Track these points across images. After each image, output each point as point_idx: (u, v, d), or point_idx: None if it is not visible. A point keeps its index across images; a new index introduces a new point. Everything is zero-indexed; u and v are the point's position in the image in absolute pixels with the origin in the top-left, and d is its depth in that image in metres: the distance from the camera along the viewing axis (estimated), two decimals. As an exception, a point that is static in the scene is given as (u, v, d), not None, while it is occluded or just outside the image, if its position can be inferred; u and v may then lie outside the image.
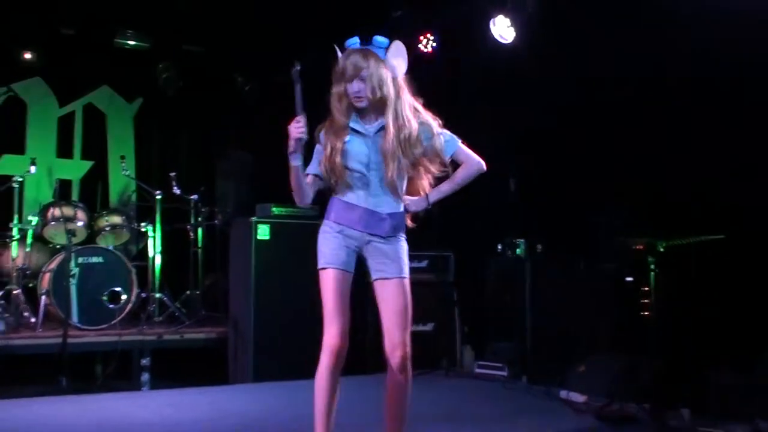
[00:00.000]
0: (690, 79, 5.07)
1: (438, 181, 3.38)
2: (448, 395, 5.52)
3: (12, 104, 8.14)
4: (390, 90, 3.14)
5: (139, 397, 5.74)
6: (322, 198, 3.36)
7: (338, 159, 3.12)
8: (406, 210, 3.30)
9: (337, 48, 3.23)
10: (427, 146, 3.26)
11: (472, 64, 6.75)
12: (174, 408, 5.00)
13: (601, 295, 5.59)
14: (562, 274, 5.94)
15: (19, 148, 8.23)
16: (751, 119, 4.79)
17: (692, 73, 5.06)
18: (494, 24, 6.16)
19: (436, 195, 3.37)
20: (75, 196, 8.25)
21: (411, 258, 6.44)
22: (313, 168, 3.23)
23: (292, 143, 3.05)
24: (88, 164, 8.61)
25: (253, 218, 6.08)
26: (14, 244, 6.76)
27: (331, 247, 3.17)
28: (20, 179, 6.93)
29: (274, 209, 6.17)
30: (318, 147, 3.23)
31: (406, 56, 3.27)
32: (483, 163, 3.48)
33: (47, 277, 6.49)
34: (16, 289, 6.56)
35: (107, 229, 7.15)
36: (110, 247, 6.90)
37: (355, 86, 3.11)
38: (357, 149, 3.15)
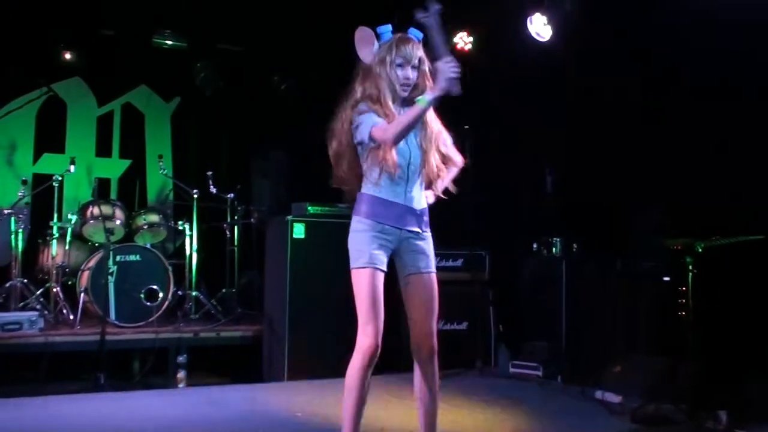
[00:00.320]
0: (732, 77, 4.98)
1: None
2: (483, 395, 5.49)
3: (52, 104, 8.25)
4: (429, 84, 3.16)
5: (175, 394, 5.80)
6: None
7: (393, 152, 3.10)
8: None
9: (374, 32, 3.23)
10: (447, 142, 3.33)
11: (509, 62, 6.71)
12: (210, 405, 5.04)
13: (637, 295, 5.52)
14: (598, 273, 5.88)
15: (59, 147, 8.35)
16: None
17: (734, 71, 4.97)
18: (531, 22, 6.12)
19: (440, 188, 3.38)
20: (113, 195, 8.34)
21: (446, 257, 6.59)
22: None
23: (443, 84, 2.90)
24: (126, 163, 8.71)
25: (289, 217, 6.11)
26: (54, 242, 6.85)
27: (370, 246, 3.13)
28: (60, 178, 7.02)
29: (309, 208, 6.19)
30: (373, 117, 3.10)
31: None
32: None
33: (86, 275, 6.58)
34: (55, 287, 6.66)
35: (145, 227, 7.22)
36: (148, 246, 6.97)
37: (409, 73, 3.15)
38: (401, 144, 3.13)
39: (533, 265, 6.31)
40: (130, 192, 8.12)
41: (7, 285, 6.59)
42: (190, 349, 6.34)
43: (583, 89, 6.13)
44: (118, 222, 7.02)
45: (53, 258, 6.80)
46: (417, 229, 3.22)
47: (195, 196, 7.36)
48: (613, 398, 4.88)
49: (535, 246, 6.33)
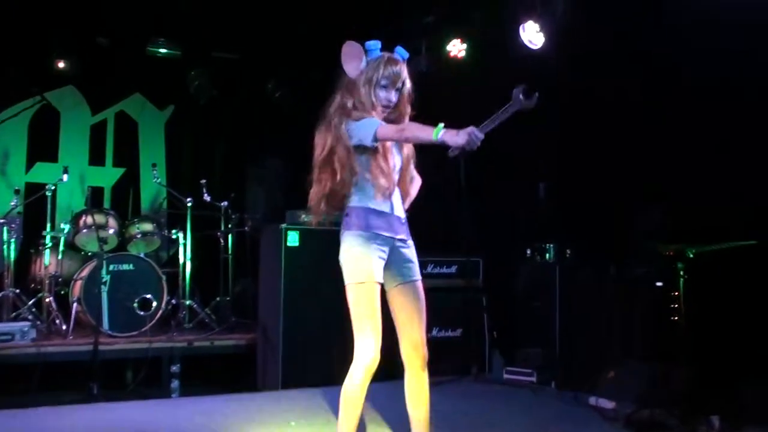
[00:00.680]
0: (722, 82, 4.99)
1: None
2: (477, 401, 5.49)
3: (45, 112, 8.26)
4: (408, 108, 3.27)
5: (169, 403, 5.78)
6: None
7: (390, 160, 3.16)
8: None
9: (355, 44, 3.21)
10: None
11: (502, 69, 6.71)
12: (204, 415, 5.02)
13: (630, 300, 5.52)
14: (591, 279, 5.87)
15: (51, 155, 8.36)
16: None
17: (724, 76, 4.98)
18: (524, 30, 6.13)
19: (407, 204, 3.42)
20: (107, 204, 8.36)
21: (441, 263, 6.59)
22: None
23: (460, 143, 2.85)
24: (119, 171, 8.71)
25: (283, 225, 6.09)
26: (46, 251, 6.84)
27: (369, 260, 3.12)
28: (53, 187, 7.02)
29: (304, 216, 6.18)
30: (375, 119, 3.11)
31: None
32: None
33: (79, 284, 6.56)
34: (48, 297, 6.65)
35: (138, 236, 7.21)
36: (141, 254, 6.95)
37: (392, 96, 3.19)
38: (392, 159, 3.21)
39: (527, 271, 6.31)
40: (124, 201, 8.12)
41: None
42: (184, 358, 6.33)
43: (576, 96, 6.14)
44: (111, 231, 7.01)
45: (46, 267, 6.79)
46: (404, 236, 3.26)
47: (189, 204, 7.36)
48: (607, 404, 4.87)
49: (528, 252, 6.33)
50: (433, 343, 6.49)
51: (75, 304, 6.49)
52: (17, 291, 6.66)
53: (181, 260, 7.29)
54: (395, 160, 3.24)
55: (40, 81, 8.02)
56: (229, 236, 7.52)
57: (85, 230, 6.93)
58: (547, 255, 6.18)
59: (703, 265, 4.58)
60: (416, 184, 3.45)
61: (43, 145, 8.31)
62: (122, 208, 7.80)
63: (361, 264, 3.11)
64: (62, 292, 6.91)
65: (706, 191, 5.10)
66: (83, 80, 8.39)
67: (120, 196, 8.39)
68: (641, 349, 5.36)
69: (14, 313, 6.52)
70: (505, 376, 6.08)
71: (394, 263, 3.23)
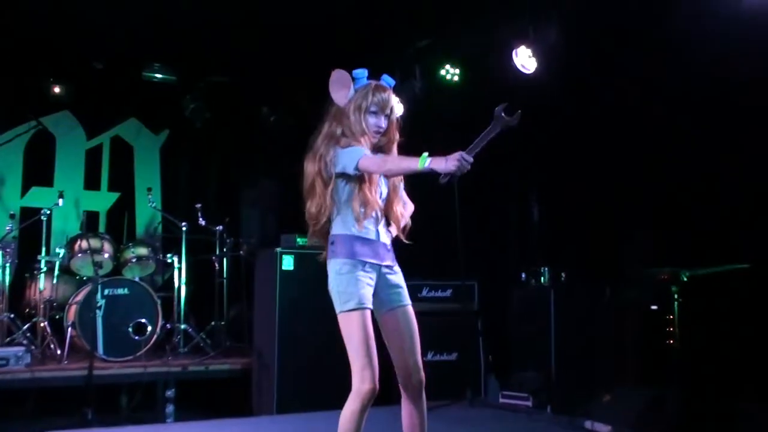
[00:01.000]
0: (714, 105, 5.05)
1: None
2: (473, 425, 5.48)
3: (41, 137, 8.27)
4: (397, 135, 3.31)
5: (164, 429, 5.77)
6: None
7: (374, 189, 3.18)
8: None
9: (343, 72, 3.25)
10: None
11: (495, 93, 6.76)
12: (198, 440, 5.01)
13: (626, 324, 5.54)
14: (586, 302, 5.90)
15: (47, 180, 8.36)
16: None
17: (714, 100, 5.03)
18: (516, 54, 6.19)
19: (396, 231, 3.40)
20: (102, 228, 8.33)
21: (435, 287, 6.60)
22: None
23: (451, 168, 2.88)
24: (115, 196, 8.72)
25: (278, 249, 6.10)
26: (41, 276, 6.82)
27: (358, 287, 3.11)
28: (48, 211, 7.02)
29: (298, 240, 6.19)
30: (361, 148, 3.13)
31: None
32: None
33: (74, 309, 6.55)
34: (42, 322, 6.61)
35: (133, 260, 7.20)
36: (136, 279, 6.94)
37: (381, 121, 3.23)
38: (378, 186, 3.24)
39: (522, 294, 6.33)
40: (119, 225, 8.13)
41: (-6, 320, 6.55)
42: (179, 383, 6.31)
43: (569, 120, 6.20)
44: (106, 255, 7.00)
45: (41, 292, 6.77)
46: (390, 263, 3.27)
47: (184, 228, 7.35)
48: (603, 428, 4.86)
49: (523, 276, 6.35)
50: (428, 367, 6.48)
51: (70, 329, 6.47)
52: (12, 316, 6.64)
53: (176, 284, 7.27)
54: (381, 187, 3.26)
55: (35, 106, 8.05)
56: (224, 260, 7.52)
57: (80, 255, 6.92)
58: (542, 278, 6.19)
59: (697, 288, 4.61)
60: (409, 208, 3.47)
61: (38, 169, 8.31)
62: (117, 233, 7.80)
63: (349, 292, 3.10)
64: (57, 317, 6.88)
65: (699, 215, 5.14)
66: (79, 105, 8.40)
67: (115, 221, 8.39)
68: (637, 372, 5.37)
69: (9, 338, 6.49)
70: (501, 400, 6.08)
71: (381, 290, 3.23)
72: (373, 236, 3.20)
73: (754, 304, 4.73)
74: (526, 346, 6.14)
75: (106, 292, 6.56)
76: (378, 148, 3.26)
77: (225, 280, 7.49)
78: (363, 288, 3.12)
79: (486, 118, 6.97)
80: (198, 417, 5.93)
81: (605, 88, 5.82)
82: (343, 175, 3.16)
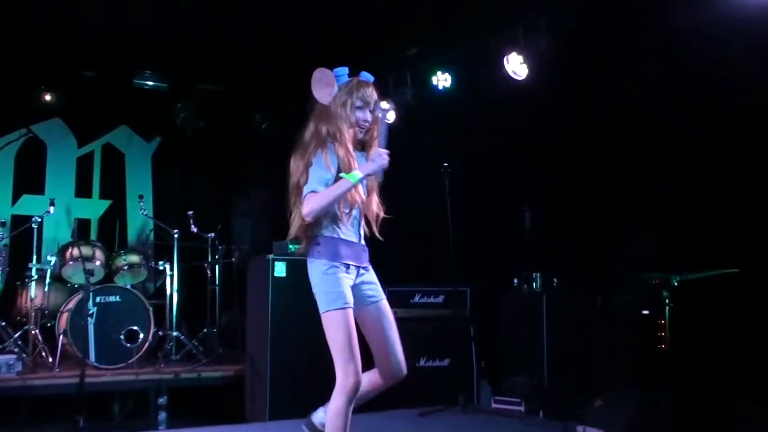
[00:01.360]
0: (708, 108, 5.08)
1: None
2: (465, 431, 5.48)
3: (31, 145, 8.27)
4: (376, 129, 3.39)
5: (156, 436, 5.74)
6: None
7: (361, 192, 3.28)
8: None
9: (326, 71, 3.38)
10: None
11: (486, 100, 6.80)
12: (190, 447, 4.99)
13: (617, 329, 5.56)
14: (578, 307, 5.92)
15: (38, 188, 8.35)
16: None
17: (706, 106, 5.07)
18: (508, 61, 6.22)
19: (376, 231, 3.55)
20: (93, 236, 8.33)
21: (428, 293, 6.63)
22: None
23: (375, 168, 3.18)
24: (106, 203, 8.71)
25: (270, 256, 6.10)
26: (32, 284, 6.80)
27: (343, 287, 3.23)
28: (39, 219, 7.00)
29: (291, 247, 6.18)
30: (326, 169, 3.21)
31: None
32: None
33: (65, 316, 6.53)
34: (34, 329, 6.59)
35: (125, 268, 7.19)
36: (128, 286, 6.92)
37: (367, 115, 3.34)
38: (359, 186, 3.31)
39: (514, 300, 6.34)
40: (111, 232, 8.11)
41: (-15, 328, 6.53)
42: (171, 390, 6.29)
43: (561, 126, 6.23)
44: (97, 263, 6.99)
45: (32, 300, 6.74)
46: (366, 264, 3.43)
47: (176, 235, 7.35)
48: (596, 433, 4.88)
49: (515, 281, 6.36)
50: (420, 373, 6.56)
51: (61, 337, 6.45)
52: (3, 323, 6.61)
53: (168, 292, 7.27)
54: (360, 190, 3.34)
55: (26, 114, 8.05)
56: (216, 267, 7.52)
57: (71, 262, 6.91)
58: (534, 284, 6.21)
59: (688, 292, 4.64)
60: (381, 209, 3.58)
61: (29, 177, 8.30)
62: (109, 240, 7.78)
63: (334, 292, 3.22)
64: (48, 325, 6.86)
65: (691, 219, 5.17)
66: (70, 113, 8.40)
67: (107, 228, 8.37)
68: (629, 377, 5.39)
69: (0, 346, 6.46)
70: (494, 405, 6.08)
71: (358, 288, 3.36)
72: (354, 239, 3.35)
73: (744, 308, 4.76)
74: (519, 351, 6.15)
75: (97, 299, 6.54)
76: (362, 144, 3.40)
77: (217, 287, 7.49)
78: (346, 288, 3.24)
79: (477, 124, 7.03)
80: (190, 424, 5.89)
81: (596, 93, 5.85)
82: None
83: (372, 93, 3.35)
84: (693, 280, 4.58)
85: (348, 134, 3.29)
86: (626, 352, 5.48)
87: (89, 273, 6.48)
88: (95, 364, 6.37)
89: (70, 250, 6.99)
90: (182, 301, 7.30)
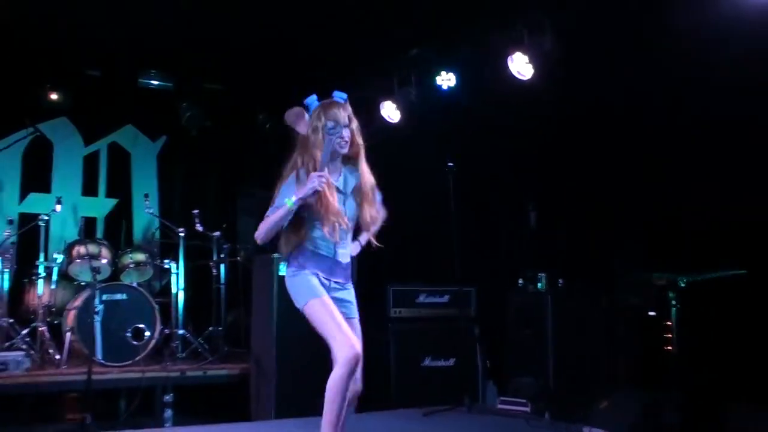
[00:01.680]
0: (708, 111, 5.10)
1: None
2: (470, 431, 5.50)
3: (38, 144, 8.30)
4: (360, 140, 3.55)
5: (162, 433, 5.77)
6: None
7: (337, 212, 3.39)
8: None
9: (295, 109, 3.55)
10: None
11: (491, 100, 6.81)
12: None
13: (623, 330, 5.58)
14: (584, 308, 5.93)
15: (45, 186, 8.38)
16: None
17: (710, 105, 5.08)
18: (512, 61, 6.23)
19: (364, 240, 3.71)
20: (99, 234, 8.36)
21: (433, 293, 6.66)
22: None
23: (308, 192, 3.30)
24: (112, 202, 8.74)
25: (275, 255, 6.11)
26: (40, 281, 6.85)
27: (312, 282, 3.42)
28: (46, 217, 7.03)
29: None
30: (283, 196, 3.39)
31: None
32: None
33: (72, 314, 6.56)
34: (41, 327, 6.64)
35: (131, 266, 7.22)
36: (134, 284, 6.96)
37: (343, 132, 3.46)
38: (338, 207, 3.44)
39: (519, 300, 6.35)
40: (117, 231, 8.14)
41: (-7, 325, 6.56)
42: (177, 388, 6.32)
43: (565, 125, 6.24)
44: (104, 261, 7.02)
45: (39, 297, 6.78)
46: (341, 280, 3.54)
47: (181, 234, 7.37)
48: (601, 434, 4.89)
49: (520, 282, 6.38)
50: (425, 373, 6.57)
51: (68, 334, 6.48)
52: (11, 321, 6.64)
53: (174, 290, 7.29)
54: (345, 207, 3.48)
55: (33, 113, 8.06)
56: (222, 266, 7.54)
57: (78, 260, 6.94)
58: (539, 284, 6.22)
59: (695, 294, 4.65)
60: (381, 215, 3.71)
61: (36, 175, 8.33)
62: (115, 238, 7.80)
63: (305, 287, 3.41)
64: (56, 322, 6.89)
65: (697, 220, 5.18)
66: (76, 112, 8.42)
67: (113, 227, 8.41)
68: (634, 378, 5.40)
69: (8, 343, 6.49)
70: (499, 405, 6.08)
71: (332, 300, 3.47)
72: (328, 253, 3.47)
73: (751, 310, 4.77)
74: (524, 351, 6.16)
75: (104, 297, 6.57)
76: (348, 158, 3.54)
77: (222, 286, 7.50)
78: (317, 284, 3.42)
79: (482, 124, 7.03)
80: (196, 422, 5.94)
81: (600, 93, 5.86)
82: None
83: (340, 111, 3.47)
84: (700, 281, 4.59)
85: (327, 157, 3.38)
86: (631, 353, 5.49)
87: (96, 271, 6.51)
88: (102, 361, 6.40)
89: (77, 248, 7.03)
90: (188, 299, 7.32)
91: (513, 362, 6.29)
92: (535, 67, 6.14)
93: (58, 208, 7.09)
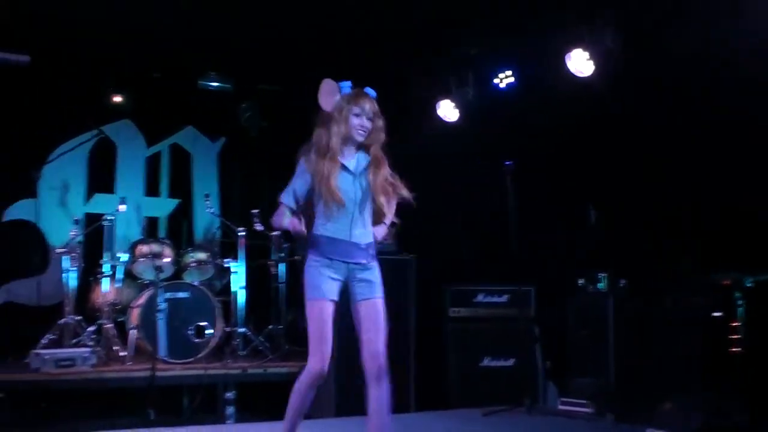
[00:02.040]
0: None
1: None
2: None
3: (103, 146, 8.48)
4: (382, 135, 3.66)
5: (224, 430, 5.85)
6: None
7: (336, 191, 3.50)
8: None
9: (331, 82, 3.68)
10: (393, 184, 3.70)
11: (550, 97, 6.74)
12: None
13: (688, 330, 5.46)
14: (646, 309, 5.82)
15: (109, 187, 8.56)
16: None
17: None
18: (570, 58, 6.16)
19: (389, 221, 3.80)
20: (162, 233, 8.50)
21: (491, 293, 6.61)
22: (292, 201, 3.63)
23: (288, 227, 3.60)
24: (174, 202, 8.88)
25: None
26: (105, 280, 7.00)
27: (322, 280, 3.54)
28: (111, 217, 7.20)
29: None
30: (302, 177, 3.61)
31: None
32: None
33: (136, 312, 6.70)
34: (107, 324, 6.79)
35: (193, 264, 7.34)
36: (196, 283, 7.07)
37: (364, 122, 3.60)
38: (346, 186, 3.56)
39: (579, 300, 6.28)
40: (178, 230, 8.27)
41: (61, 322, 6.73)
42: (238, 385, 6.41)
43: (626, 123, 6.14)
44: (167, 260, 7.14)
45: (104, 295, 6.93)
46: (363, 261, 3.61)
47: (241, 234, 7.46)
48: (665, 436, 4.81)
49: (581, 282, 6.30)
50: (484, 373, 6.54)
51: (133, 331, 6.62)
52: (78, 318, 6.82)
53: (234, 289, 7.39)
54: (356, 192, 3.59)
55: (97, 115, 8.25)
56: (281, 265, 7.61)
57: (141, 259, 7.08)
58: (600, 284, 6.13)
59: (761, 294, 4.54)
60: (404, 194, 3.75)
61: (101, 176, 8.50)
62: (177, 238, 7.93)
63: (313, 283, 3.55)
64: (120, 320, 7.04)
65: (763, 218, 5.06)
66: (139, 114, 8.59)
67: (175, 226, 8.54)
68: (699, 379, 5.29)
69: (75, 340, 6.65)
70: (560, 406, 6.03)
71: (351, 284, 3.61)
72: (343, 236, 3.56)
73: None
74: (585, 352, 6.08)
75: (167, 295, 6.68)
76: (361, 146, 3.65)
77: (282, 285, 7.58)
78: (326, 282, 3.54)
79: (541, 121, 6.96)
80: (258, 418, 6.01)
81: (664, 89, 5.76)
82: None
83: (368, 103, 3.61)
84: (767, 281, 4.48)
85: (340, 139, 3.56)
86: (696, 355, 5.38)
87: (159, 270, 6.65)
88: (165, 358, 6.51)
89: (140, 247, 7.17)
90: (248, 298, 7.41)
91: (573, 363, 6.22)
92: (595, 64, 6.07)
93: (122, 208, 7.24)
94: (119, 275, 7.09)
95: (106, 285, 6.98)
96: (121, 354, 6.57)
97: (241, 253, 7.41)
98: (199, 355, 6.64)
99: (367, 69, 7.37)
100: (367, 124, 3.61)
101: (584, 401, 5.83)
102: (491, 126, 7.25)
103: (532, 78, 6.88)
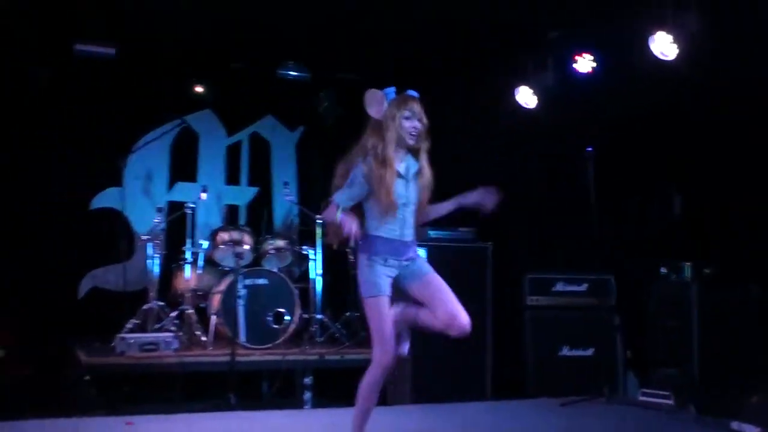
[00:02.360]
0: None
1: None
2: (609, 424, 5.36)
3: (185, 135, 8.67)
4: (428, 139, 3.79)
5: (302, 415, 5.93)
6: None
7: (393, 197, 3.61)
8: None
9: (376, 91, 3.83)
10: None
11: (633, 82, 6.56)
12: (335, 427, 5.11)
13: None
14: (731, 299, 5.64)
15: (191, 176, 8.74)
16: None
17: None
18: (653, 41, 5.98)
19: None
20: (242, 221, 8.64)
21: (571, 281, 6.53)
22: (349, 204, 3.70)
23: (346, 231, 3.58)
24: (253, 190, 9.02)
25: (410, 241, 6.13)
26: (187, 266, 7.17)
27: (379, 277, 3.63)
28: (192, 205, 7.36)
29: (430, 232, 6.23)
30: (359, 184, 3.68)
31: None
32: None
33: (217, 298, 6.84)
34: (189, 310, 6.96)
35: (272, 252, 7.44)
36: (275, 269, 7.17)
37: (416, 123, 3.73)
38: (400, 191, 3.68)
39: (661, 289, 6.10)
40: (258, 218, 8.39)
41: (145, 307, 6.93)
42: (316, 371, 6.48)
43: (714, 107, 5.93)
44: (246, 247, 7.25)
45: (187, 282, 7.11)
46: (411, 256, 3.76)
47: (319, 221, 7.52)
48: (752, 429, 4.65)
49: (663, 270, 6.12)
50: (562, 362, 6.46)
51: (213, 317, 6.77)
52: (161, 304, 7.01)
53: (312, 275, 7.47)
54: (408, 197, 3.71)
55: (180, 105, 8.43)
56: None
57: (222, 246, 7.21)
58: (684, 273, 5.95)
59: None
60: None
61: (183, 165, 8.69)
62: (256, 225, 8.02)
63: (370, 280, 3.64)
64: (202, 305, 7.20)
65: None
66: (219, 104, 8.74)
67: (254, 214, 8.68)
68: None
69: (158, 325, 6.83)
70: (641, 397, 5.90)
71: (405, 276, 3.72)
72: (394, 236, 3.69)
73: None
74: (667, 343, 5.91)
75: (247, 282, 6.80)
76: (411, 150, 3.76)
77: (359, 272, 7.60)
78: (381, 278, 3.64)
79: (622, 106, 6.79)
80: (334, 404, 6.06)
81: (753, 73, 5.53)
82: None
83: (416, 105, 3.74)
84: None
85: (393, 144, 3.67)
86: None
87: (239, 257, 6.76)
88: (245, 343, 6.63)
89: (220, 234, 7.31)
90: (325, 284, 7.48)
91: (655, 353, 6.06)
92: (680, 47, 5.88)
93: (204, 196, 7.40)
94: (200, 262, 7.26)
95: (188, 272, 7.16)
96: (203, 339, 6.72)
97: (319, 241, 7.48)
98: (278, 341, 6.74)
99: (443, 57, 7.36)
100: (418, 125, 3.73)
101: (666, 392, 5.68)
102: (571, 112, 7.10)
103: (613, 62, 6.70)
